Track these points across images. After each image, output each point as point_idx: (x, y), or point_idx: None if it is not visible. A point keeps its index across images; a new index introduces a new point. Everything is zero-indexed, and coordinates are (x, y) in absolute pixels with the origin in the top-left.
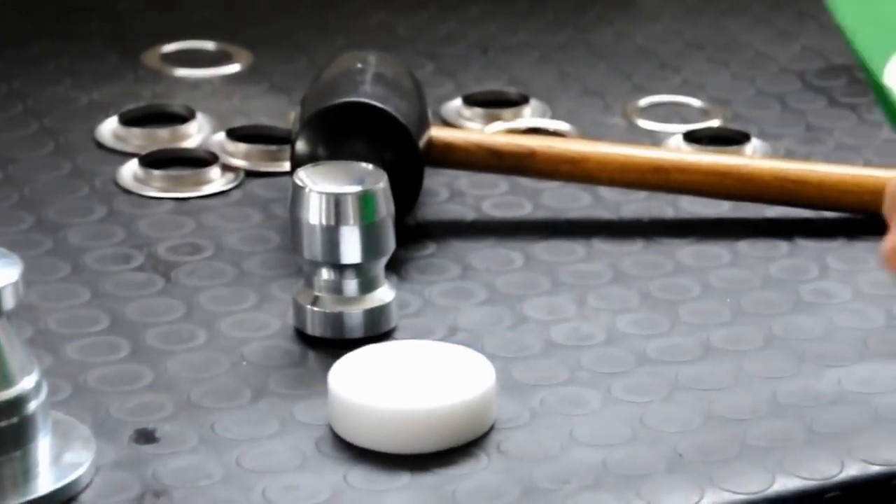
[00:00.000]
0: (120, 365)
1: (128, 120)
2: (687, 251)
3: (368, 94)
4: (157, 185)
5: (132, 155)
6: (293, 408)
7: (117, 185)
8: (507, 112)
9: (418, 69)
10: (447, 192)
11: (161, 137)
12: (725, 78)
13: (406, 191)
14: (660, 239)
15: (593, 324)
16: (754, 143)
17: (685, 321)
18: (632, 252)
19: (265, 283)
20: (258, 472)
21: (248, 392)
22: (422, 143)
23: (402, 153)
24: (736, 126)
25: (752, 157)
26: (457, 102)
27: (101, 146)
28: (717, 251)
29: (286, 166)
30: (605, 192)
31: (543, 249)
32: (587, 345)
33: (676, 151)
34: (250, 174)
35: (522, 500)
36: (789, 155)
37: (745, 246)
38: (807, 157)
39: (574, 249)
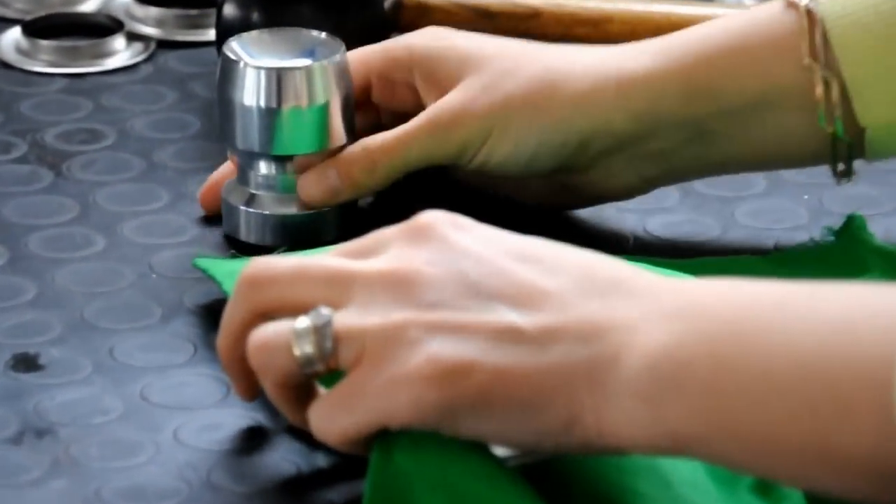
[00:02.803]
0: None
1: None
2: None
3: None
4: (45, 59)
5: (14, 21)
6: (213, 331)
7: None
8: None
9: None
10: None
11: (51, 0)
12: None
13: None
14: None
15: (616, 227)
16: None
17: (744, 224)
18: None
19: (180, 177)
20: (168, 407)
21: (156, 310)
22: (387, 2)
23: (361, 17)
24: None
25: None
26: None
27: None
28: None
29: (210, 35)
30: None
31: None
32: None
33: (736, 7)
34: (163, 44)
35: None
36: None
37: None
38: None
39: None
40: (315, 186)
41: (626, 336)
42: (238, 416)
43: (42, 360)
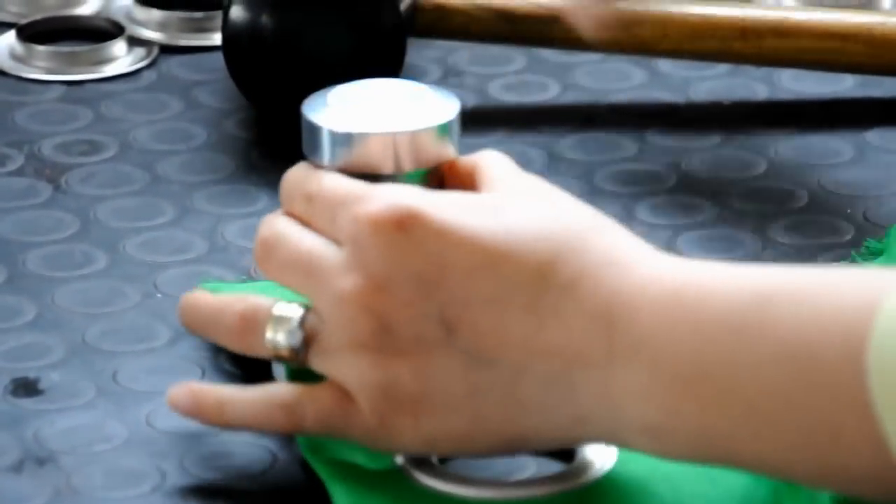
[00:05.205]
0: None
1: None
2: (787, 145)
3: None
4: (41, 65)
5: (8, 25)
6: (222, 353)
7: None
8: None
9: None
10: (440, 71)
11: (47, 2)
12: None
13: (383, 69)
14: (747, 129)
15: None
16: None
17: (780, 241)
18: (704, 147)
19: (186, 191)
20: (175, 434)
21: (162, 332)
22: (404, 5)
23: (376, 20)
24: None
25: (891, 14)
26: None
27: None
28: (834, 144)
29: (216, 39)
30: (666, 66)
31: (575, 145)
32: None
33: (776, 9)
34: (167, 50)
35: None
36: None
37: (875, 137)
38: None
39: (620, 144)
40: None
41: (601, 399)
42: (248, 444)
43: (42, 385)
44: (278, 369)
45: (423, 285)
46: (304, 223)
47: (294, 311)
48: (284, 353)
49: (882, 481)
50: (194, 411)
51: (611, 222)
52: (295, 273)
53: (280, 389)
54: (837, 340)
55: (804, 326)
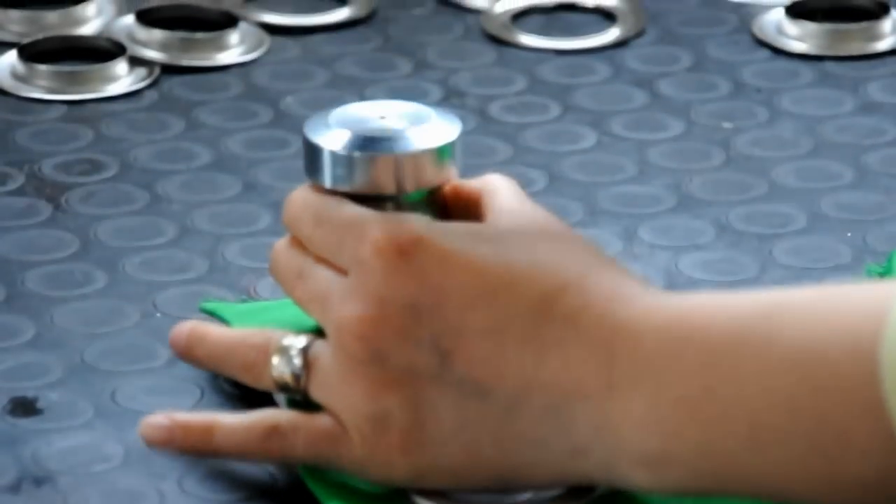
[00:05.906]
0: None
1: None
2: (787, 168)
3: None
4: (42, 84)
5: (10, 45)
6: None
7: None
8: None
9: None
10: (441, 92)
11: (48, 22)
12: None
13: None
14: (747, 151)
15: (647, 265)
16: None
17: (782, 264)
18: (705, 168)
19: (186, 211)
20: (173, 455)
21: (161, 352)
22: None
23: None
24: None
25: None
26: None
27: None
28: (833, 167)
29: (216, 59)
30: (668, 88)
31: (577, 165)
32: None
33: None
34: (168, 69)
35: None
36: None
37: (874, 160)
38: None
39: (620, 165)
40: None
41: (602, 427)
42: (246, 466)
43: (40, 405)
44: (279, 395)
45: (419, 313)
46: (310, 248)
47: (299, 341)
48: (289, 381)
49: (892, 488)
50: (179, 439)
51: (614, 261)
52: (312, 303)
53: (272, 415)
54: (847, 341)
55: (811, 331)
